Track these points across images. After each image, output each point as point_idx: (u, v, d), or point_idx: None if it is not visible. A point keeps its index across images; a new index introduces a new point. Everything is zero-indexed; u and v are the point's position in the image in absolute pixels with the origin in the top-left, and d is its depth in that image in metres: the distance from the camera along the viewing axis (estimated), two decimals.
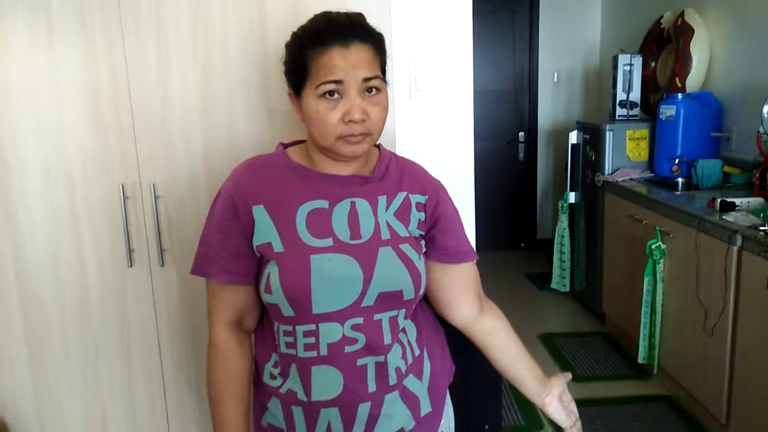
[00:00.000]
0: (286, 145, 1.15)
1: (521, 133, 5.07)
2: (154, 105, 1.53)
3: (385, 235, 1.07)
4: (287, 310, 1.05)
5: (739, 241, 2.21)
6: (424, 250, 1.15)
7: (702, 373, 2.50)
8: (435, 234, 1.14)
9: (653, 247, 2.74)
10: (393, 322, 1.09)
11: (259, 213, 1.06)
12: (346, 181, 1.09)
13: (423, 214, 1.13)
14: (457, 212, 1.18)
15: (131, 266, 1.60)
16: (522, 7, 4.92)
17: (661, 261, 2.74)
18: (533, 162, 5.12)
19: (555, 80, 4.98)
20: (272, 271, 1.04)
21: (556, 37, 4.87)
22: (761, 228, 2.10)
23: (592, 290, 3.72)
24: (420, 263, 1.09)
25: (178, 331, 1.65)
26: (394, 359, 1.10)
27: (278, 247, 1.04)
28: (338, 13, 1.05)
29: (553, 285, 4.04)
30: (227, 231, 1.08)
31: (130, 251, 1.59)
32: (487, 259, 4.16)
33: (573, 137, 3.84)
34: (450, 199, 1.18)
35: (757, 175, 2.58)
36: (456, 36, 1.93)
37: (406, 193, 1.12)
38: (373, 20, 1.53)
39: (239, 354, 1.14)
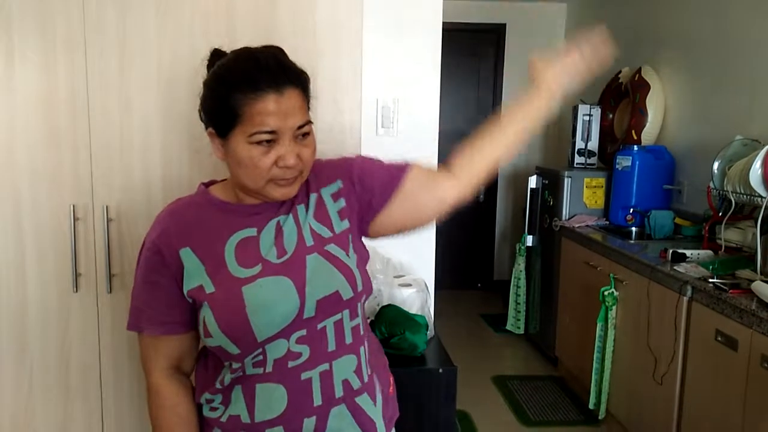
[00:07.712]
0: (206, 185, 1.14)
1: None
2: (113, 126, 1.49)
3: (309, 241, 1.06)
4: (232, 349, 1.01)
5: (689, 292, 2.26)
6: (360, 246, 1.14)
7: (651, 422, 2.52)
8: (369, 186, 1.13)
9: (606, 293, 2.78)
10: (338, 326, 1.07)
11: (187, 255, 1.04)
12: (270, 205, 1.08)
13: (343, 199, 1.11)
14: (374, 159, 1.16)
15: (77, 291, 1.53)
16: (488, 52, 5.06)
17: (614, 308, 2.78)
18: (492, 204, 5.19)
19: None
20: (207, 314, 1.01)
21: (520, 82, 5.01)
22: (710, 280, 2.15)
23: (546, 334, 3.74)
24: (350, 260, 1.08)
25: (122, 362, 1.57)
26: (342, 370, 1.07)
27: (209, 287, 1.02)
28: (263, 53, 1.03)
29: (508, 327, 4.05)
30: (156, 281, 1.06)
31: (76, 275, 1.52)
32: (443, 297, 4.15)
33: (532, 182, 3.92)
34: (363, 157, 1.16)
35: (707, 228, 2.67)
36: (424, 76, 1.95)
37: (316, 194, 1.11)
38: (345, 57, 1.54)
39: (184, 396, 1.10)
